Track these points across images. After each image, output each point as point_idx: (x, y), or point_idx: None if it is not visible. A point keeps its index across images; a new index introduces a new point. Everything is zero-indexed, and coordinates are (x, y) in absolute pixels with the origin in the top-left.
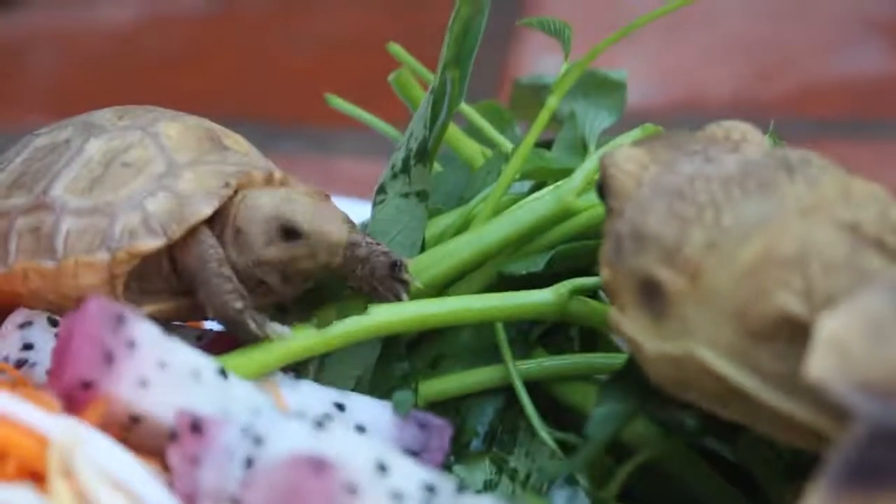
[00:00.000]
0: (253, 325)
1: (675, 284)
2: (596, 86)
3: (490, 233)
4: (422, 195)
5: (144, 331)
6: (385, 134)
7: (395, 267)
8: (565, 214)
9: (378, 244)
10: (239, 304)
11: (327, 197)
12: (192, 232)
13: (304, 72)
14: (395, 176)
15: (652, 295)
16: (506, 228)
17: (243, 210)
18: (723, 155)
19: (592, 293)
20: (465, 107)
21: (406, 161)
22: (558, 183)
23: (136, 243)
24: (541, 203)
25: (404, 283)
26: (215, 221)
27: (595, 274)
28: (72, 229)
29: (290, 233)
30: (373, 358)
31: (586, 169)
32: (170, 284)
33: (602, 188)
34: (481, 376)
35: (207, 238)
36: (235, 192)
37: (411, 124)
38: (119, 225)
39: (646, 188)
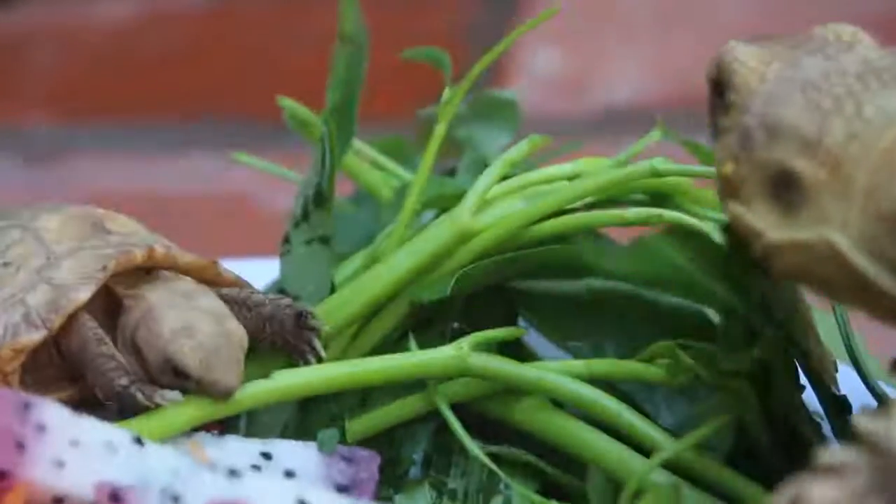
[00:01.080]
0: (141, 397)
1: (814, 175)
2: (488, 107)
3: (395, 265)
4: (324, 240)
5: (52, 413)
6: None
7: (302, 317)
8: (464, 237)
9: (282, 298)
10: (124, 381)
11: (214, 264)
12: (72, 319)
13: (304, 70)
14: (297, 225)
15: (786, 186)
16: (409, 258)
17: (142, 331)
18: (841, 53)
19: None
20: (363, 146)
21: (305, 208)
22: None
23: (19, 339)
24: (438, 229)
25: (313, 329)
26: (107, 308)
27: (500, 299)
28: None
29: (182, 375)
30: (295, 404)
31: (478, 190)
32: (63, 372)
33: (720, 83)
34: (408, 406)
35: (86, 322)
36: (129, 274)
37: (308, 171)
38: (2, 324)
39: (771, 83)
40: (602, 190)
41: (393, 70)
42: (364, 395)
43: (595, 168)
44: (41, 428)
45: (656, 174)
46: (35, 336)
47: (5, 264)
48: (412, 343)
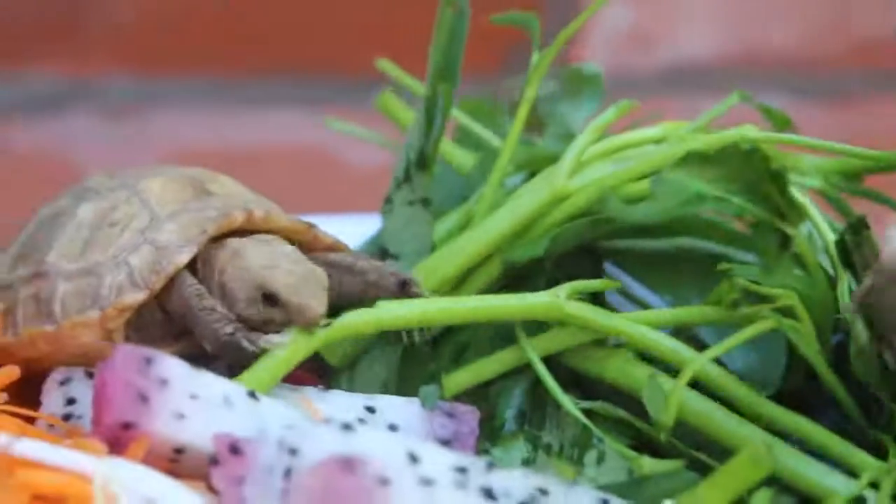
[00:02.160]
0: (246, 344)
1: None
2: (572, 81)
3: (490, 226)
4: (425, 202)
5: (173, 367)
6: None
7: (405, 285)
8: (559, 198)
9: (386, 266)
10: (229, 329)
11: (312, 227)
12: (173, 279)
13: (389, 24)
14: (398, 186)
15: None
16: (505, 220)
17: (230, 269)
18: None
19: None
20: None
21: (407, 171)
22: (549, 168)
23: (122, 298)
24: (534, 191)
25: (416, 298)
26: (203, 266)
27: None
28: (67, 292)
29: (270, 299)
30: (395, 361)
31: (575, 150)
32: (167, 330)
33: None
34: (501, 361)
35: (187, 280)
36: (224, 237)
37: (408, 135)
38: (107, 283)
39: None
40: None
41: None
42: (458, 353)
43: (678, 131)
44: (163, 382)
45: (746, 141)
46: (138, 296)
47: (111, 224)
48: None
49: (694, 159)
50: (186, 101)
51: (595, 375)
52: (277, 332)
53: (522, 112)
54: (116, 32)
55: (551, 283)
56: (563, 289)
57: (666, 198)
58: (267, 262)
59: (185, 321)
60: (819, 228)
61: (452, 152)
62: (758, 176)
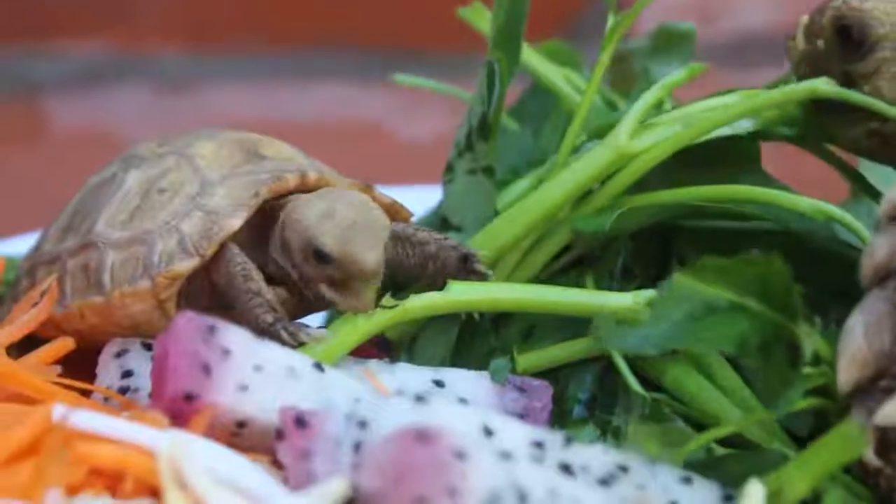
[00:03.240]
0: (285, 335)
1: None
2: (664, 38)
3: (552, 190)
4: (488, 171)
5: (236, 337)
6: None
7: (467, 260)
8: (622, 159)
9: (446, 239)
10: (269, 318)
11: (369, 188)
12: (222, 247)
13: None
14: (460, 154)
15: None
16: (567, 182)
17: (288, 221)
18: None
19: None
20: (530, 53)
21: (469, 138)
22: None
23: (174, 266)
24: (596, 153)
25: (478, 275)
26: (264, 227)
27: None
28: (116, 262)
29: (322, 256)
30: (453, 338)
31: (634, 113)
32: (216, 301)
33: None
34: (579, 347)
35: (234, 255)
36: (284, 195)
37: (471, 102)
38: (157, 251)
39: None
40: (756, 111)
41: None
42: (528, 329)
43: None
44: (226, 352)
45: (818, 95)
46: (189, 263)
47: (161, 190)
48: (589, 280)
49: (709, 267)
50: (238, 75)
51: (653, 379)
52: (338, 291)
53: (597, 74)
54: (167, 5)
55: (624, 263)
56: (644, 296)
57: (671, 310)
58: (324, 211)
59: (228, 297)
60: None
61: (543, 69)
62: (777, 285)
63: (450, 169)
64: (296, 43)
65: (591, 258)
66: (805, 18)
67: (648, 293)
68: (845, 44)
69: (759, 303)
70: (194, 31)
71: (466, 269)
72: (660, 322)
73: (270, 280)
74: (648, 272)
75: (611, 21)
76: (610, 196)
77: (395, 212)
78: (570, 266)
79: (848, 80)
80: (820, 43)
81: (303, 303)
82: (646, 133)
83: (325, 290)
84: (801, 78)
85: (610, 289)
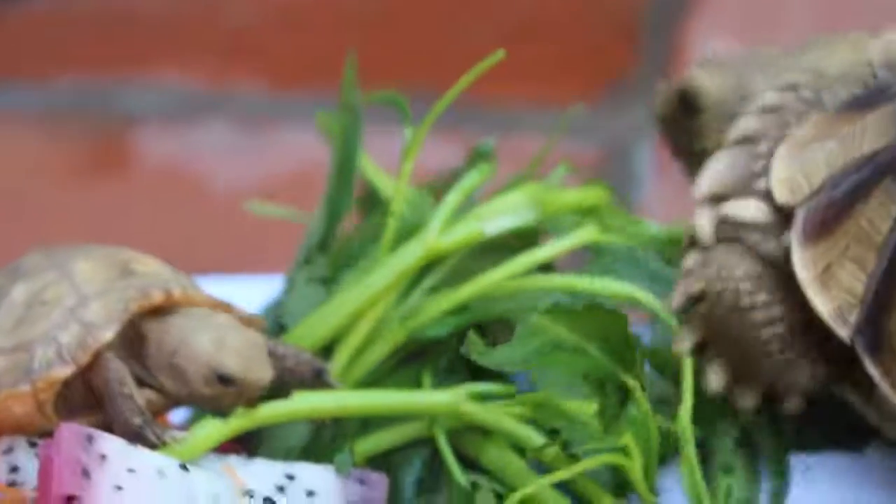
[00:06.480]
0: (152, 437)
1: None
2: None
3: (364, 287)
4: (325, 280)
5: (111, 444)
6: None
7: (321, 374)
8: (432, 254)
9: (304, 353)
10: (138, 420)
11: (230, 307)
12: (97, 355)
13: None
14: (300, 266)
15: None
16: (380, 279)
17: (183, 351)
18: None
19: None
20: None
21: (309, 252)
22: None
23: (52, 372)
24: (409, 248)
25: (330, 387)
26: (136, 337)
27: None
28: (1, 368)
29: (227, 380)
30: (303, 430)
31: (444, 209)
32: (91, 400)
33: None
34: (407, 432)
35: (109, 362)
36: (157, 311)
37: (313, 219)
38: (37, 358)
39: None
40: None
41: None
42: (365, 421)
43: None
44: (103, 457)
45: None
46: (66, 370)
47: (42, 303)
48: (426, 380)
49: (560, 312)
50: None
51: (473, 458)
52: (229, 405)
53: (404, 174)
54: (251, 42)
55: (449, 358)
56: (463, 391)
57: (526, 342)
58: (215, 341)
59: (101, 399)
60: None
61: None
62: (616, 336)
63: (291, 278)
64: (374, 88)
65: (424, 354)
66: (663, 85)
67: (467, 389)
68: (685, 106)
69: (597, 349)
70: (277, 68)
71: (320, 382)
72: (518, 348)
73: (141, 383)
74: (470, 365)
75: (407, 133)
76: (428, 290)
77: (251, 324)
78: (399, 364)
79: (688, 131)
80: (670, 103)
81: (168, 401)
82: (452, 229)
83: (206, 402)
84: (662, 121)
85: (442, 383)
